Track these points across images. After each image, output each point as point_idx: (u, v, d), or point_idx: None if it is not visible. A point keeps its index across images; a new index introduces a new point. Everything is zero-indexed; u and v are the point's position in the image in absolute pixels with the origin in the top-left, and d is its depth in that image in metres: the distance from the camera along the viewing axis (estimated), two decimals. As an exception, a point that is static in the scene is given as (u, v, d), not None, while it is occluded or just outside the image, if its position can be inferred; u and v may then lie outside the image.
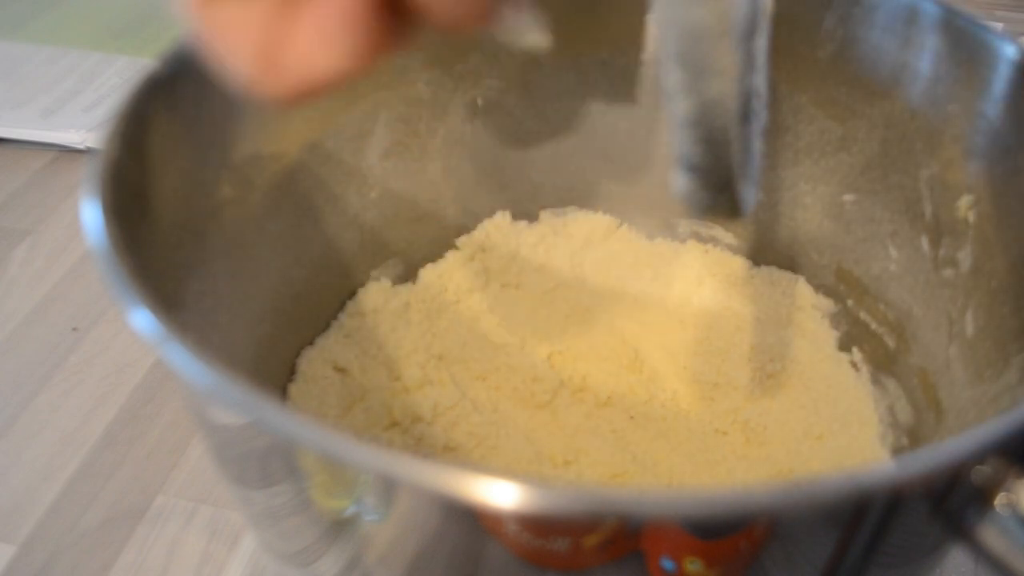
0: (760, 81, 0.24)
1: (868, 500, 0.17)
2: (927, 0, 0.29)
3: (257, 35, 0.17)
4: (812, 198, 0.35)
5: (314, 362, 0.34)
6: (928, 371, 0.31)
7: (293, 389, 0.33)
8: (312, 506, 0.20)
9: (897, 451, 0.32)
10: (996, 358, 0.27)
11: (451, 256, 0.38)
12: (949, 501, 0.18)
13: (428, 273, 0.38)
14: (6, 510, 0.34)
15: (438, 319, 0.36)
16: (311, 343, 0.35)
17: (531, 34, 0.19)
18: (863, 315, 0.35)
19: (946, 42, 0.29)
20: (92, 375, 0.39)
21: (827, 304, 0.36)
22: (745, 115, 0.22)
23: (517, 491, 0.15)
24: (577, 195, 0.39)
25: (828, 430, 0.33)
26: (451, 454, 0.32)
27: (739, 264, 0.38)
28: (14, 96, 0.56)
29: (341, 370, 0.34)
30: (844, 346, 0.36)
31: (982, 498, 0.17)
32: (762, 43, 0.24)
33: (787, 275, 0.37)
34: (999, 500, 0.17)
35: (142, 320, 0.18)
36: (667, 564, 0.17)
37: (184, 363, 0.17)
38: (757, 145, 0.24)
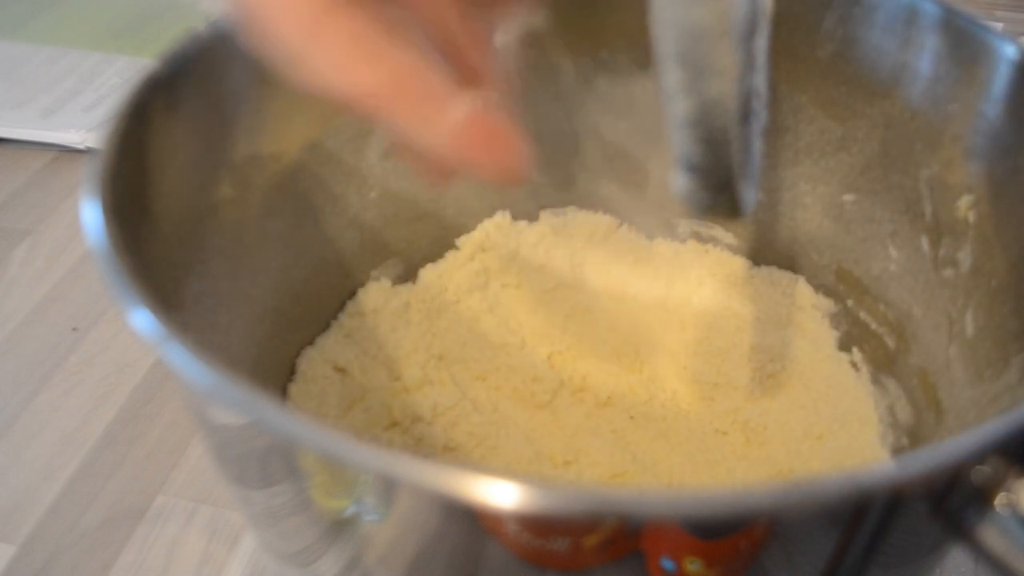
0: (760, 81, 0.24)
1: (868, 500, 0.17)
2: (927, 0, 0.29)
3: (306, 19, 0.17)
4: (812, 198, 0.35)
5: (314, 362, 0.34)
6: (928, 371, 0.31)
7: (293, 389, 0.33)
8: (312, 506, 0.20)
9: (897, 451, 0.32)
10: (996, 358, 0.27)
11: (451, 256, 0.38)
12: (949, 501, 0.18)
13: (428, 273, 0.38)
14: (6, 510, 0.34)
15: (438, 319, 0.36)
16: (311, 343, 0.35)
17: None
18: (863, 315, 0.35)
19: (946, 42, 0.29)
20: (92, 375, 0.39)
21: (827, 304, 0.36)
22: (745, 115, 0.22)
23: (517, 491, 0.15)
24: (577, 195, 0.39)
25: (828, 430, 0.33)
26: (451, 454, 0.32)
27: (739, 264, 0.38)
28: (14, 96, 0.56)
29: (341, 370, 0.34)
30: (844, 346, 0.36)
31: (982, 498, 0.17)
32: (762, 43, 0.24)
33: (787, 275, 0.37)
34: (999, 500, 0.17)
35: (142, 320, 0.18)
36: (667, 564, 0.17)
37: (184, 363, 0.17)
38: (757, 145, 0.24)
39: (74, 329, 0.41)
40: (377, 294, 0.36)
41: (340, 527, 0.20)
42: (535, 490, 0.15)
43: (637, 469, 0.31)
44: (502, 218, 0.39)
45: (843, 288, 0.36)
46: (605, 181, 0.38)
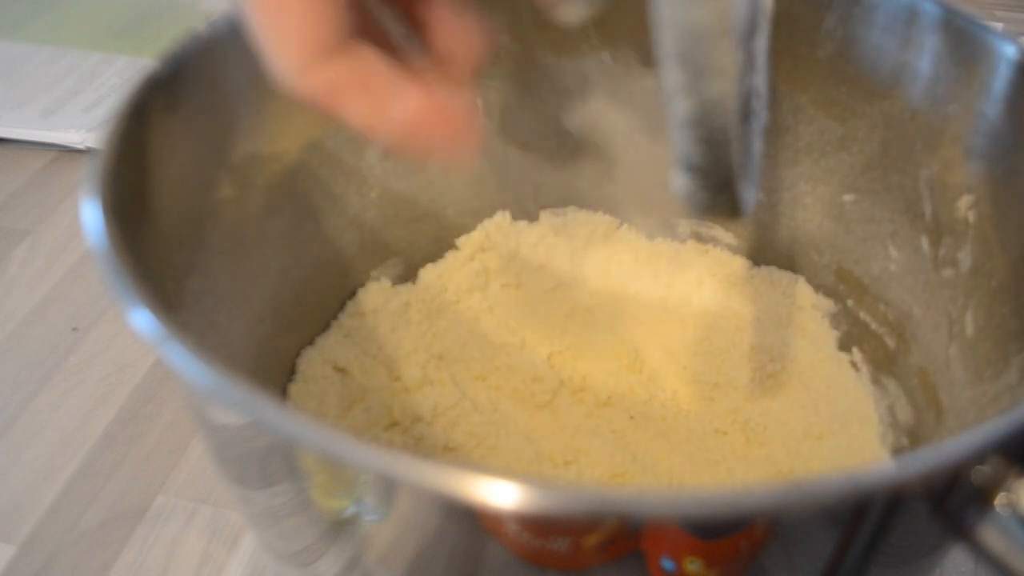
0: (760, 81, 0.24)
1: (868, 500, 0.17)
2: (927, 0, 0.29)
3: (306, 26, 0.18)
4: (812, 198, 0.35)
5: (314, 362, 0.34)
6: (928, 371, 0.31)
7: (293, 389, 0.33)
8: (312, 506, 0.20)
9: (897, 451, 0.32)
10: (996, 358, 0.27)
11: (451, 256, 0.38)
12: (949, 501, 0.18)
13: (428, 273, 0.38)
14: (6, 510, 0.34)
15: (438, 319, 0.36)
16: (311, 343, 0.35)
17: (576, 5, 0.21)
18: (863, 315, 0.35)
19: (946, 42, 0.29)
20: (92, 375, 0.39)
21: (827, 304, 0.36)
22: (745, 115, 0.22)
23: (517, 491, 0.15)
24: (577, 195, 0.39)
25: (828, 430, 0.33)
26: (451, 454, 0.32)
27: (739, 264, 0.38)
28: (14, 96, 0.56)
29: (341, 370, 0.34)
30: (844, 346, 0.36)
31: (982, 498, 0.17)
32: (762, 43, 0.24)
33: (787, 275, 0.37)
34: (999, 500, 0.17)
35: (142, 320, 0.18)
36: (667, 564, 0.17)
37: (184, 363, 0.17)
38: (757, 145, 0.24)
39: (74, 329, 0.41)
40: (377, 294, 0.36)
41: (340, 527, 0.20)
42: (535, 490, 0.15)
43: (637, 469, 0.31)
44: (502, 218, 0.39)
45: (843, 288, 0.36)
46: (605, 181, 0.38)
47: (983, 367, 0.28)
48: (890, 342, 0.34)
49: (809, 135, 0.34)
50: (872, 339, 0.35)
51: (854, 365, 0.35)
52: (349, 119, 0.20)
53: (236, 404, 0.17)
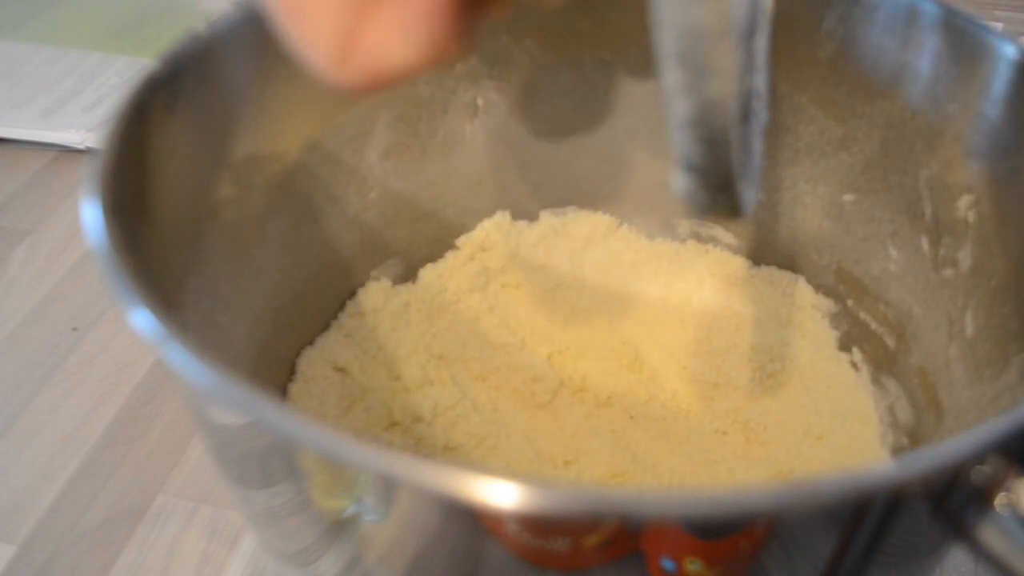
0: (760, 81, 0.24)
1: (868, 500, 0.17)
2: (927, 0, 0.29)
3: (337, 20, 0.17)
4: (812, 198, 0.35)
5: (314, 362, 0.34)
6: (928, 371, 0.31)
7: (293, 389, 0.33)
8: (312, 506, 0.20)
9: (897, 451, 0.32)
10: (996, 358, 0.27)
11: (451, 256, 0.38)
12: (949, 501, 0.18)
13: (428, 273, 0.38)
14: (6, 510, 0.34)
15: (438, 319, 0.36)
16: (311, 343, 0.35)
17: None
18: (863, 315, 0.35)
19: (946, 42, 0.29)
20: (92, 375, 0.39)
21: (827, 304, 0.36)
22: (745, 115, 0.22)
23: (517, 491, 0.15)
24: (577, 195, 0.39)
25: (828, 430, 0.33)
26: (451, 454, 0.32)
27: (739, 264, 0.38)
28: (14, 96, 0.56)
29: (341, 370, 0.34)
30: (844, 346, 0.36)
31: (982, 498, 0.17)
32: (762, 43, 0.24)
33: (787, 275, 0.37)
34: (999, 500, 0.17)
35: (142, 320, 0.18)
36: (667, 564, 0.17)
37: (184, 363, 0.17)
38: (757, 145, 0.24)
39: (74, 329, 0.41)
40: (377, 294, 0.36)
41: (340, 527, 0.20)
42: (535, 490, 0.15)
43: (637, 469, 0.31)
44: (502, 218, 0.39)
45: (843, 288, 0.36)
46: (605, 181, 0.38)
47: (983, 367, 0.28)
48: (890, 342, 0.34)
49: (809, 135, 0.34)
50: (872, 339, 0.35)
51: (854, 365, 0.35)
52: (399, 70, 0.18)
53: (236, 404, 0.17)
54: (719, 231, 0.39)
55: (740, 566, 0.18)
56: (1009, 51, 0.27)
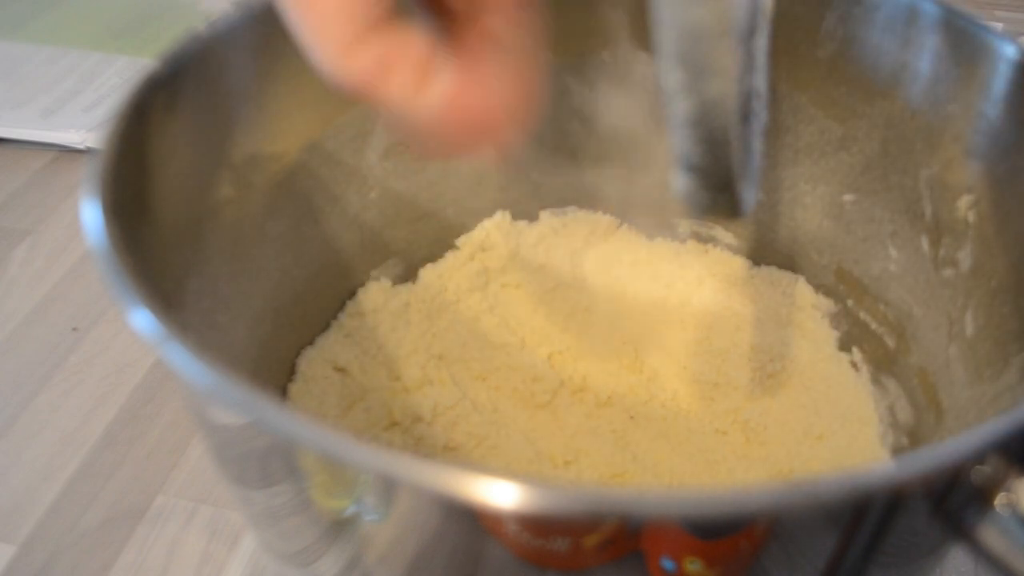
0: (760, 81, 0.24)
1: (868, 500, 0.17)
2: (927, 0, 0.29)
3: (346, 20, 0.17)
4: (812, 198, 0.35)
5: (314, 362, 0.34)
6: (928, 371, 0.31)
7: (293, 389, 0.33)
8: (312, 506, 0.20)
9: (897, 451, 0.32)
10: (996, 358, 0.27)
11: (451, 256, 0.38)
12: (949, 501, 0.18)
13: (428, 273, 0.38)
14: (6, 510, 0.34)
15: (438, 319, 0.36)
16: (311, 343, 0.35)
17: None
18: (863, 315, 0.35)
19: (946, 42, 0.29)
20: (92, 375, 0.39)
21: (827, 304, 0.36)
22: (745, 115, 0.22)
23: (517, 491, 0.15)
24: (577, 195, 0.39)
25: (828, 430, 0.33)
26: (451, 454, 0.32)
27: (739, 264, 0.38)
28: (14, 96, 0.56)
29: (341, 370, 0.34)
30: (844, 346, 0.36)
31: (982, 498, 0.17)
32: (762, 43, 0.24)
33: (787, 275, 0.37)
34: (999, 500, 0.17)
35: (142, 320, 0.18)
36: (667, 564, 0.17)
37: (184, 363, 0.17)
38: (757, 145, 0.24)
39: (74, 329, 0.41)
40: (377, 294, 0.36)
41: (340, 527, 0.20)
42: (535, 490, 0.15)
43: (637, 469, 0.31)
44: (502, 218, 0.39)
45: (843, 288, 0.36)
46: (605, 181, 0.38)
47: (983, 367, 0.28)
48: (890, 342, 0.34)
49: (809, 135, 0.34)
50: (872, 339, 0.35)
51: (854, 365, 0.35)
52: (391, 101, 0.18)
53: (236, 404, 0.17)
54: (719, 231, 0.39)
55: (740, 566, 0.18)
56: (1009, 51, 0.27)
